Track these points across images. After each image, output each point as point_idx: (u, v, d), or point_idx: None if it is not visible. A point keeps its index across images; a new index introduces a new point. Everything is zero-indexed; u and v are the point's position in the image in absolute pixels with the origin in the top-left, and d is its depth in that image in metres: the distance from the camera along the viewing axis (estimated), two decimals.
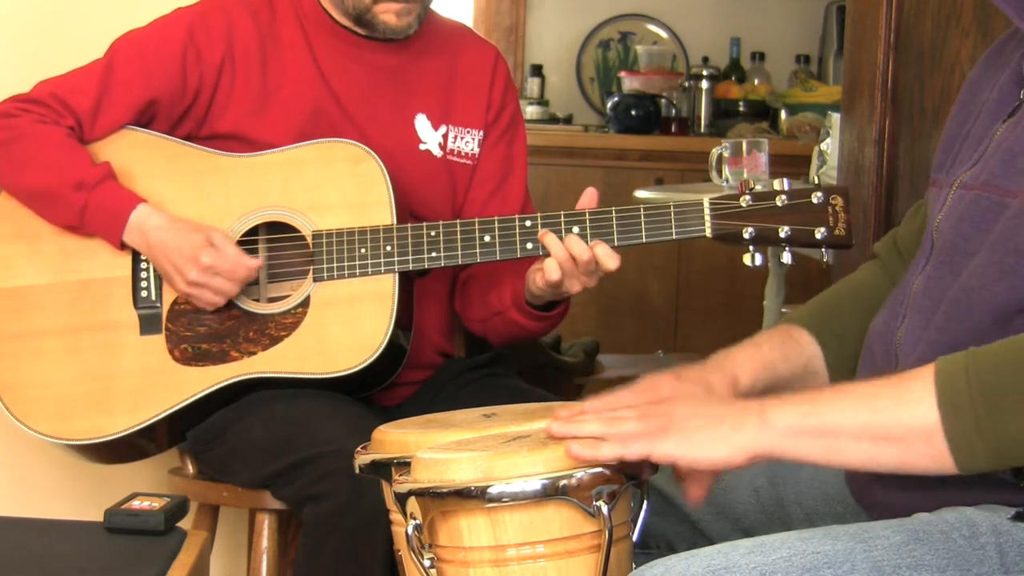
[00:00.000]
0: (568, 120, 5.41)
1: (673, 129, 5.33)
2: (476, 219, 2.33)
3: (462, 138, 2.54)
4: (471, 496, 1.52)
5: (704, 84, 5.38)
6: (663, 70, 5.44)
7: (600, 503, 1.54)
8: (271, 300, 2.41)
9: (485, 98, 2.56)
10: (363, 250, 2.35)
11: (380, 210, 2.36)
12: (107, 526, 2.06)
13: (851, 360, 1.84)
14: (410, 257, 2.34)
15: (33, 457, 2.90)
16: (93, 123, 2.44)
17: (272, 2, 2.51)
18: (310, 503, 2.22)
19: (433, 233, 2.33)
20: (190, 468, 2.53)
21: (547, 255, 2.27)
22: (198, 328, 2.39)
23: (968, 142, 1.70)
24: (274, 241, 2.42)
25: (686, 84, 5.42)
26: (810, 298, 1.97)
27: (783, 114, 5.26)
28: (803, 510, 1.81)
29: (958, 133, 1.74)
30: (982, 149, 1.66)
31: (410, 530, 1.59)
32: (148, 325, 2.41)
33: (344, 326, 2.34)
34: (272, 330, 2.37)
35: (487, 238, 2.31)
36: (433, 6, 2.53)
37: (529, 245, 2.30)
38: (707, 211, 2.23)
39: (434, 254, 2.33)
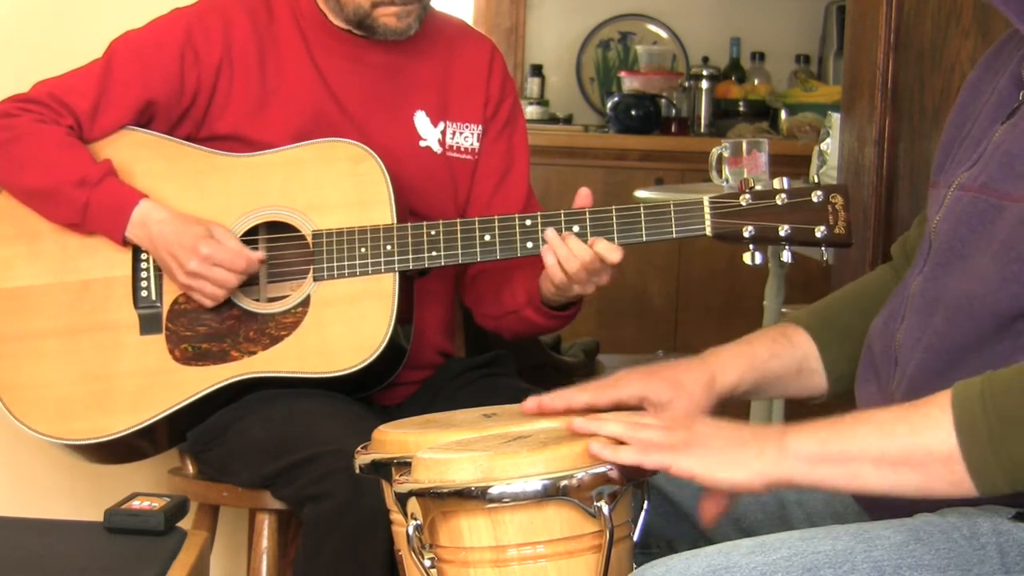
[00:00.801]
0: (568, 120, 5.41)
1: (673, 129, 5.33)
2: (476, 218, 2.33)
3: (461, 133, 2.54)
4: (472, 496, 1.52)
5: (704, 84, 5.38)
6: (663, 70, 5.44)
7: (601, 503, 1.54)
8: (271, 300, 2.41)
9: (483, 92, 2.56)
10: (363, 249, 2.35)
11: (380, 209, 2.36)
12: (107, 526, 2.06)
13: (852, 359, 1.84)
14: (410, 256, 2.34)
15: (33, 457, 2.90)
16: (92, 123, 2.44)
17: (269, 3, 2.51)
18: (310, 503, 2.22)
19: (433, 232, 2.33)
20: (190, 468, 2.53)
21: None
22: (198, 328, 2.39)
23: (966, 143, 1.70)
24: (274, 241, 2.42)
25: (686, 84, 5.42)
26: (810, 298, 1.97)
27: (783, 114, 5.27)
28: (804, 510, 1.81)
29: (957, 135, 1.74)
30: (980, 150, 1.65)
31: (411, 530, 1.59)
32: (148, 325, 2.41)
33: (344, 326, 2.34)
34: (272, 330, 2.37)
35: (487, 237, 2.31)
36: (432, 5, 2.53)
37: (529, 244, 2.30)
38: (707, 210, 2.23)
39: (434, 253, 2.33)
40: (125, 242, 2.40)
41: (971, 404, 1.47)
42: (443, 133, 2.53)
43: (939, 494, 1.49)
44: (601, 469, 1.54)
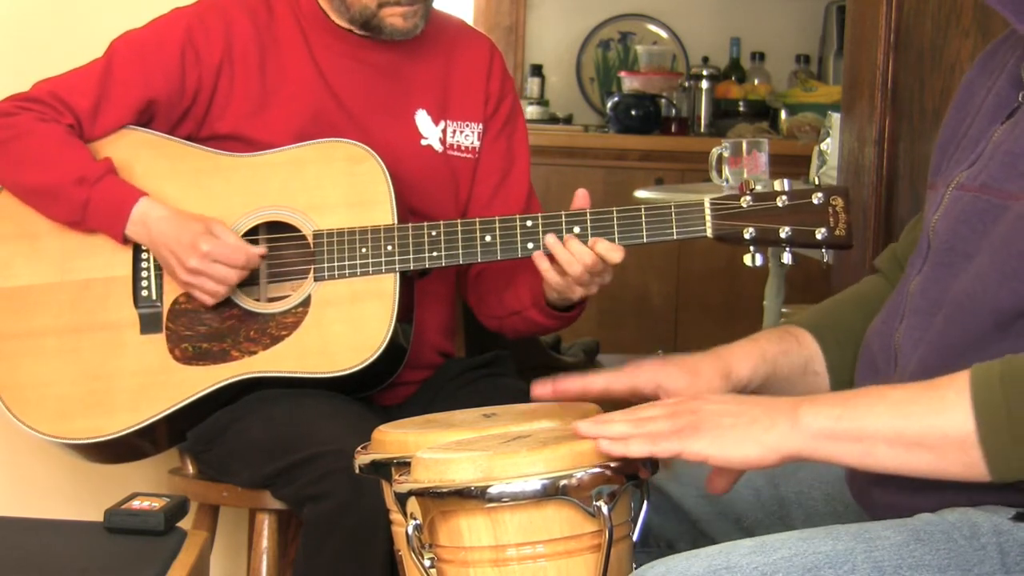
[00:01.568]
0: (568, 120, 5.41)
1: (673, 129, 5.33)
2: (477, 219, 2.33)
3: (461, 132, 2.54)
4: (471, 496, 1.52)
5: (704, 84, 5.38)
6: (663, 70, 5.44)
7: (600, 503, 1.54)
8: (271, 300, 2.41)
9: (483, 91, 2.56)
10: (364, 250, 2.35)
11: (381, 209, 2.36)
12: (107, 526, 2.06)
13: (853, 363, 1.84)
14: (411, 256, 2.34)
15: (33, 457, 2.90)
16: (92, 123, 2.44)
17: (270, 2, 2.51)
18: (310, 503, 2.22)
19: (434, 233, 2.33)
20: (190, 468, 2.53)
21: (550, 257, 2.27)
22: (199, 327, 2.39)
23: (964, 143, 1.70)
24: (275, 241, 2.42)
25: (686, 84, 5.42)
26: (810, 298, 1.97)
27: (783, 114, 5.27)
28: (803, 510, 1.81)
29: (954, 136, 1.74)
30: (979, 151, 1.65)
31: (410, 530, 1.59)
32: (148, 324, 2.41)
33: (345, 326, 2.34)
34: (273, 329, 2.37)
35: (488, 238, 2.31)
36: (432, 4, 2.54)
37: (530, 245, 2.30)
38: (708, 211, 2.23)
39: (435, 254, 2.33)
40: (125, 240, 2.40)
41: (990, 387, 1.45)
42: (444, 132, 2.53)
43: (952, 476, 1.48)
44: (600, 469, 1.54)
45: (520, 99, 2.76)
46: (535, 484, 1.52)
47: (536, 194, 2.60)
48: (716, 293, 5.03)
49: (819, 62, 5.58)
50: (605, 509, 1.54)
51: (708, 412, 1.53)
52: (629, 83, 5.39)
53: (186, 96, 2.46)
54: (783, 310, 3.61)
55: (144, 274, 2.42)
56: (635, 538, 1.62)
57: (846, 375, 1.86)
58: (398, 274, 2.34)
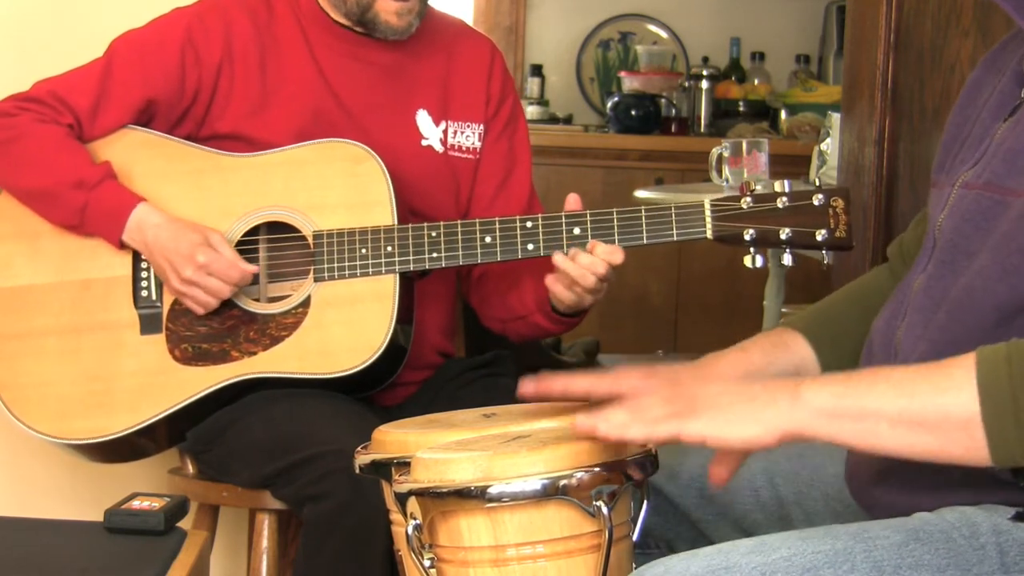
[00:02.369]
0: (568, 120, 5.41)
1: (673, 129, 5.32)
2: (477, 220, 2.33)
3: (462, 132, 2.54)
4: (471, 496, 1.52)
5: (704, 84, 5.38)
6: (663, 70, 5.44)
7: (600, 503, 1.54)
8: (272, 300, 2.41)
9: (484, 91, 2.56)
10: (364, 250, 2.35)
11: (381, 210, 2.36)
12: (107, 526, 2.06)
13: (849, 362, 1.84)
14: (411, 257, 2.34)
15: (33, 457, 2.90)
16: (92, 122, 2.44)
17: (270, 2, 2.51)
18: (310, 503, 2.22)
19: (434, 234, 2.33)
20: (190, 468, 2.53)
21: (547, 256, 2.27)
22: (198, 328, 2.39)
23: (969, 141, 1.70)
24: (275, 241, 2.42)
25: (686, 84, 5.42)
26: (810, 298, 1.97)
27: (783, 114, 5.26)
28: (803, 510, 1.81)
29: (959, 133, 1.74)
30: (983, 149, 1.66)
31: (410, 530, 1.59)
32: (148, 325, 2.41)
33: (345, 326, 2.34)
34: (273, 330, 2.37)
35: (488, 239, 2.31)
36: (432, 5, 2.53)
37: (530, 246, 2.30)
38: (708, 212, 2.23)
39: (435, 255, 2.33)
40: (122, 245, 2.40)
41: (996, 369, 1.43)
42: (445, 132, 2.53)
43: (953, 459, 1.45)
44: (600, 468, 1.54)
45: (520, 99, 2.76)
46: (535, 484, 1.52)
47: (538, 195, 2.60)
48: (716, 293, 5.03)
49: (819, 62, 5.58)
50: (605, 509, 1.54)
51: (706, 393, 1.51)
52: (629, 83, 5.39)
53: (186, 96, 2.46)
54: (783, 310, 3.61)
55: (144, 275, 2.42)
56: (635, 538, 1.63)
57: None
58: (398, 275, 2.34)
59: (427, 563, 1.60)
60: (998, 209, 1.59)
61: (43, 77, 2.48)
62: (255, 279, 2.41)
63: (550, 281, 2.31)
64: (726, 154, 3.47)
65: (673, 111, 5.35)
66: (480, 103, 2.55)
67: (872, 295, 1.87)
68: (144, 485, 2.66)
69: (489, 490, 1.52)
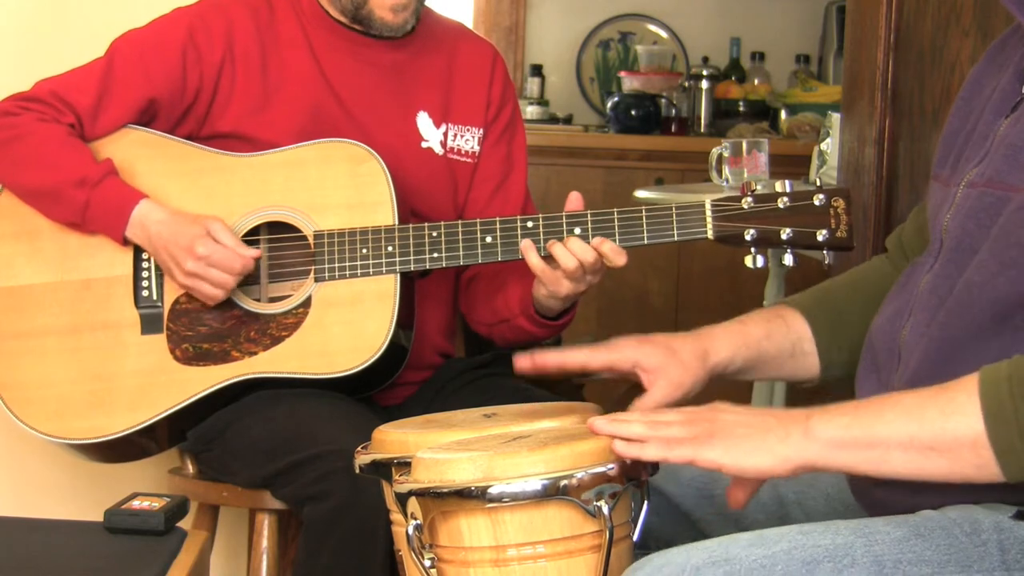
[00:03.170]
0: (568, 120, 5.41)
1: (673, 129, 5.32)
2: (478, 220, 2.33)
3: (462, 136, 2.54)
4: (471, 496, 1.52)
5: (704, 84, 5.38)
6: (663, 70, 5.44)
7: (601, 503, 1.54)
8: (272, 300, 2.41)
9: (484, 96, 2.56)
10: (364, 250, 2.35)
11: (382, 210, 2.36)
12: (107, 526, 2.06)
13: (845, 347, 1.85)
14: (411, 257, 2.34)
15: (33, 457, 2.90)
16: (93, 122, 2.44)
17: (271, 1, 2.51)
18: (310, 503, 2.22)
19: (435, 234, 2.33)
20: (190, 468, 2.53)
21: (546, 257, 2.27)
22: (199, 328, 2.39)
23: (973, 139, 1.70)
24: (275, 241, 2.42)
25: (686, 84, 5.42)
26: None
27: (783, 114, 5.26)
28: (803, 510, 1.81)
29: (960, 129, 1.74)
30: (987, 146, 1.66)
31: (411, 530, 1.60)
32: (149, 324, 2.41)
33: (345, 326, 2.34)
34: (273, 330, 2.37)
35: (489, 239, 2.31)
36: (432, 5, 2.53)
37: None
38: (709, 213, 2.23)
39: (436, 255, 2.33)
40: (126, 242, 2.40)
41: (998, 388, 1.46)
42: (445, 135, 2.53)
43: (967, 479, 1.49)
44: (600, 469, 1.54)
45: (520, 99, 2.76)
46: (535, 484, 1.52)
47: (533, 198, 2.60)
48: (716, 293, 5.02)
49: (819, 62, 5.58)
50: (605, 509, 1.54)
51: (723, 422, 1.55)
52: (629, 83, 5.39)
53: (187, 95, 2.46)
54: None
55: (145, 274, 2.42)
56: (635, 539, 1.63)
57: (835, 358, 1.88)
58: (399, 275, 2.34)
59: (427, 563, 1.60)
60: (1000, 205, 1.59)
61: (44, 77, 2.48)
62: (256, 279, 2.41)
63: (529, 251, 2.27)
64: (726, 154, 3.47)
65: (673, 111, 5.35)
66: (481, 107, 2.55)
67: (873, 285, 1.89)
68: (144, 485, 2.66)
69: (490, 490, 1.52)
